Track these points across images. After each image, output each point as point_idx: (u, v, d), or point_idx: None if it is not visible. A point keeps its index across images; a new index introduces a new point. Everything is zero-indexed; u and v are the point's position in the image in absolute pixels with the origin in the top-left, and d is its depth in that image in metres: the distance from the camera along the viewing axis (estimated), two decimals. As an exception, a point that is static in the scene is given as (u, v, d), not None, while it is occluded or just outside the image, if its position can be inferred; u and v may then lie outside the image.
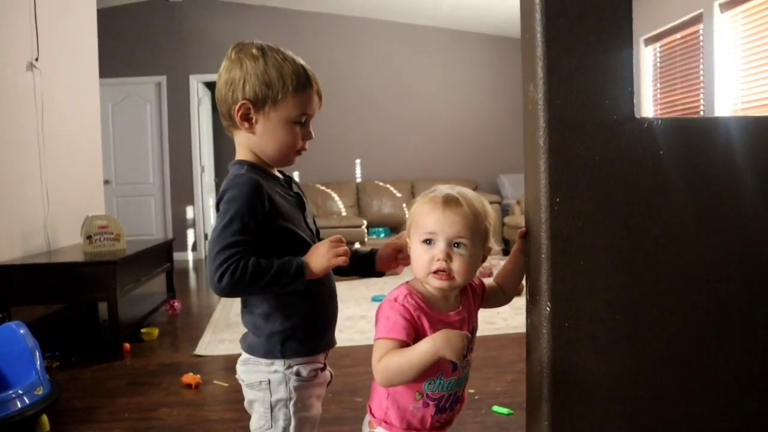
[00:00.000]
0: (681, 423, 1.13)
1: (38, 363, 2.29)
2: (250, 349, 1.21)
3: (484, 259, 1.11)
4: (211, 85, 7.51)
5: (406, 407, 1.09)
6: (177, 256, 5.76)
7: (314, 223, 1.33)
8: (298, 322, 1.19)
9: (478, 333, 1.18)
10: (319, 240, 1.32)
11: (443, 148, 7.50)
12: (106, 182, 6.51)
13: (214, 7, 7.22)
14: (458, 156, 7.52)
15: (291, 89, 1.18)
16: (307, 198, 1.33)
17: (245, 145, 1.23)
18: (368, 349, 1.06)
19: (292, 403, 1.19)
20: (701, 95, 5.03)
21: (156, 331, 3.60)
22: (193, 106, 7.28)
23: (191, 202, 7.38)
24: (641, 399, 1.12)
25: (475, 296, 1.16)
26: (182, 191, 7.33)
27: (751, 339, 1.13)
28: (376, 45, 7.48)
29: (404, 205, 6.87)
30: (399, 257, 1.25)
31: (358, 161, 7.49)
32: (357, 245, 5.90)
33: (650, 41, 5.74)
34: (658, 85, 5.71)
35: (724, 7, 4.72)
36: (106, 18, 6.02)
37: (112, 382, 2.81)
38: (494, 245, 1.12)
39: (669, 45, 5.51)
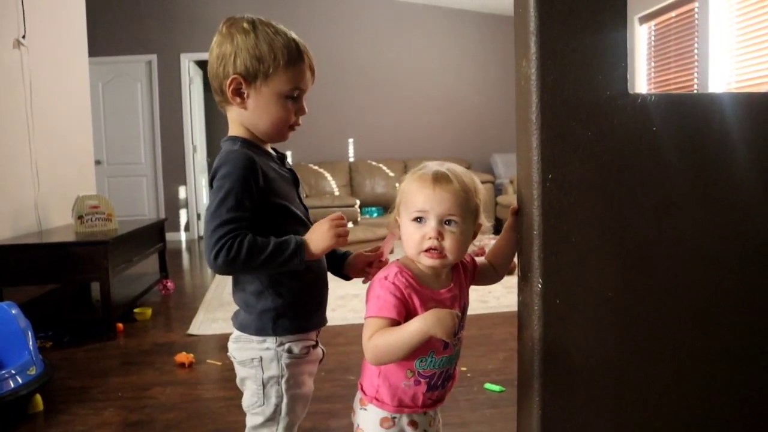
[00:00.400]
0: (671, 400, 1.13)
1: (31, 343, 2.29)
2: (242, 327, 1.21)
3: (475, 236, 1.11)
4: (202, 64, 7.42)
5: (398, 385, 1.09)
6: (169, 236, 5.75)
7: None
8: (290, 300, 1.19)
9: (471, 311, 1.18)
10: (310, 219, 1.31)
11: (437, 128, 7.47)
12: (98, 162, 6.47)
13: (204, -16, 7.12)
14: (452, 135, 7.50)
15: (282, 63, 1.16)
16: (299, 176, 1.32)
17: (238, 120, 1.22)
18: (361, 327, 1.06)
19: (284, 380, 1.19)
20: (695, 74, 5.01)
21: (149, 311, 3.60)
22: (184, 85, 7.21)
23: (183, 182, 7.34)
24: (632, 376, 1.12)
25: (466, 274, 1.16)
26: (174, 171, 7.28)
27: (742, 316, 1.14)
28: (369, 24, 7.40)
29: (397, 184, 6.78)
30: (367, 269, 1.23)
31: (350, 140, 7.46)
32: (350, 225, 5.89)
33: (645, 19, 5.70)
34: (653, 63, 5.68)
35: (719, -15, 4.68)
36: (94, -5, 5.92)
37: (105, 361, 2.81)
38: (485, 222, 1.11)
39: (664, 23, 5.48)
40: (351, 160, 7.42)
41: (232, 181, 1.10)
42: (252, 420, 1.22)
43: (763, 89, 4.30)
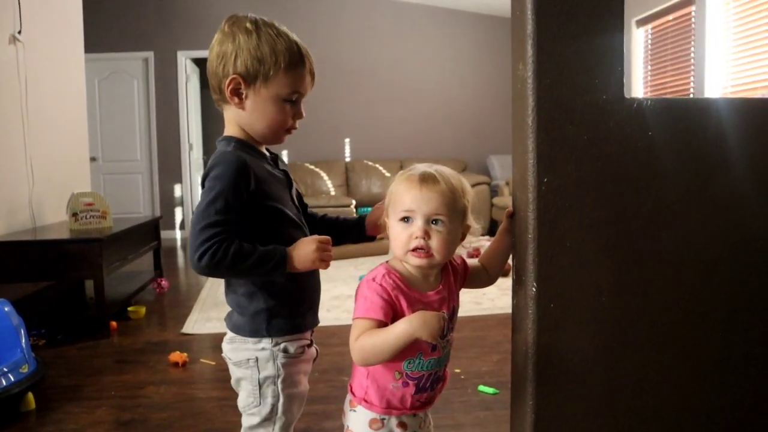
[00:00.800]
0: (664, 404, 1.14)
1: (23, 341, 2.28)
2: (236, 329, 1.21)
3: (463, 237, 1.11)
4: (199, 62, 7.41)
5: (386, 386, 1.09)
6: (164, 234, 5.74)
7: (300, 198, 1.32)
8: (282, 300, 1.19)
9: (464, 313, 1.18)
10: (307, 216, 1.31)
11: (433, 128, 7.47)
12: (93, 159, 6.46)
13: (202, -19, 7.10)
14: (448, 136, 7.50)
15: (283, 66, 1.16)
16: (293, 176, 1.32)
17: (234, 120, 1.22)
18: (355, 328, 1.06)
19: (280, 380, 1.19)
20: (692, 78, 5.03)
21: (143, 310, 3.59)
22: (181, 83, 7.19)
23: (179, 180, 7.32)
24: (625, 379, 1.13)
25: (457, 276, 1.16)
26: (170, 169, 7.26)
27: (736, 320, 1.14)
28: (366, 24, 7.40)
29: (393, 185, 6.82)
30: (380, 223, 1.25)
31: (347, 140, 7.45)
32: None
33: (642, 23, 5.71)
34: (649, 67, 5.69)
35: (716, -11, 4.70)
36: (91, -9, 5.90)
37: (99, 360, 2.80)
38: (473, 223, 1.11)
39: (661, 27, 5.49)
40: (347, 160, 7.41)
41: (223, 183, 1.10)
42: (248, 420, 1.22)
43: (758, 94, 4.32)
